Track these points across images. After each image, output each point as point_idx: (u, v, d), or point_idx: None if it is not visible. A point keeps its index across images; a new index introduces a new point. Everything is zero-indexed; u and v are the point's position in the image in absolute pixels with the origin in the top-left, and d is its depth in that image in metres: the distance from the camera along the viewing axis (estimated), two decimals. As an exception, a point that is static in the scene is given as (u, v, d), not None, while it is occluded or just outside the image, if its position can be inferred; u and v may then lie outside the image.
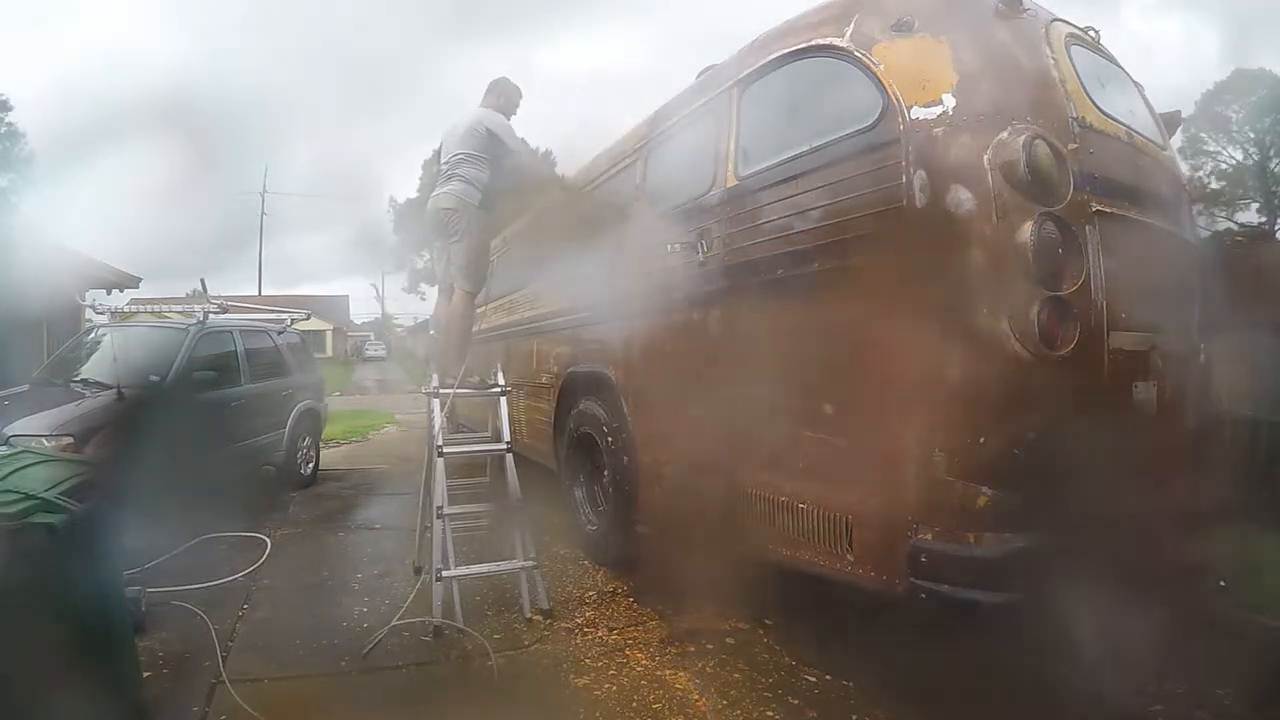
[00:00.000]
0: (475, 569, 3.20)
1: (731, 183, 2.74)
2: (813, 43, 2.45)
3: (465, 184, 3.67)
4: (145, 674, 2.38)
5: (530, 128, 3.91)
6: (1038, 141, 1.96)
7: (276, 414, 5.87)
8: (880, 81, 2.16)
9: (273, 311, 7.30)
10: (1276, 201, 27.90)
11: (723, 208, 2.75)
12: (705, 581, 3.02)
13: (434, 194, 3.81)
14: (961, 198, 1.97)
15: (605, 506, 3.72)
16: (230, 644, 2.82)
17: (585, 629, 3.00)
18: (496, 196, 3.76)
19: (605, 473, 3.62)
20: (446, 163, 3.74)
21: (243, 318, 6.49)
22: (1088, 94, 2.22)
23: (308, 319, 7.62)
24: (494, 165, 3.68)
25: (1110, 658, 2.16)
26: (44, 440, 3.65)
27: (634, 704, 2.40)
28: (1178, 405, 2.40)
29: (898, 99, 2.10)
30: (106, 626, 2.07)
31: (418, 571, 3.63)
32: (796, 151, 2.43)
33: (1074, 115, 2.12)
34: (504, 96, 3.87)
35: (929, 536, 1.97)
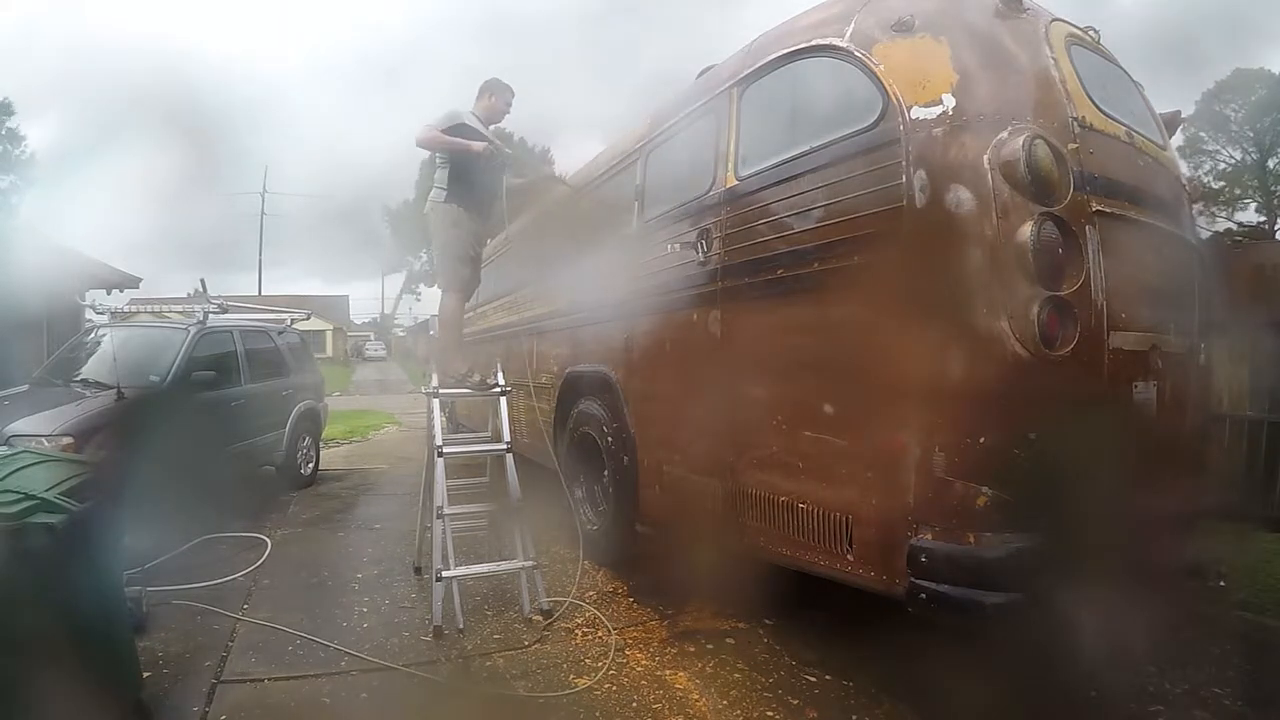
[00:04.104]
0: (475, 569, 3.21)
1: (731, 183, 2.74)
2: (813, 43, 2.45)
3: (434, 188, 3.76)
4: (145, 674, 2.38)
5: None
6: (1038, 141, 1.95)
7: (276, 414, 5.87)
8: (880, 81, 2.16)
9: (273, 311, 7.31)
10: (1276, 201, 27.91)
11: (722, 208, 2.75)
12: (705, 581, 3.02)
13: None
14: (961, 198, 1.97)
15: (605, 506, 3.72)
16: (230, 644, 2.82)
17: (585, 629, 3.00)
18: (468, 189, 3.71)
19: (605, 473, 3.62)
20: None
21: (243, 318, 6.50)
22: (1088, 94, 2.22)
23: (308, 319, 7.64)
24: (454, 162, 3.68)
25: (1110, 657, 2.16)
26: (44, 440, 3.65)
27: (634, 704, 2.40)
28: (1178, 405, 2.40)
29: (898, 99, 2.10)
30: (106, 626, 2.08)
31: (418, 571, 3.64)
32: (796, 151, 2.42)
33: (1074, 115, 2.12)
34: (495, 96, 3.88)
35: (929, 536, 1.96)
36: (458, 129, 3.63)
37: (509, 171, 3.94)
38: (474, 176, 3.71)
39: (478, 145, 3.61)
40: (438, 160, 3.74)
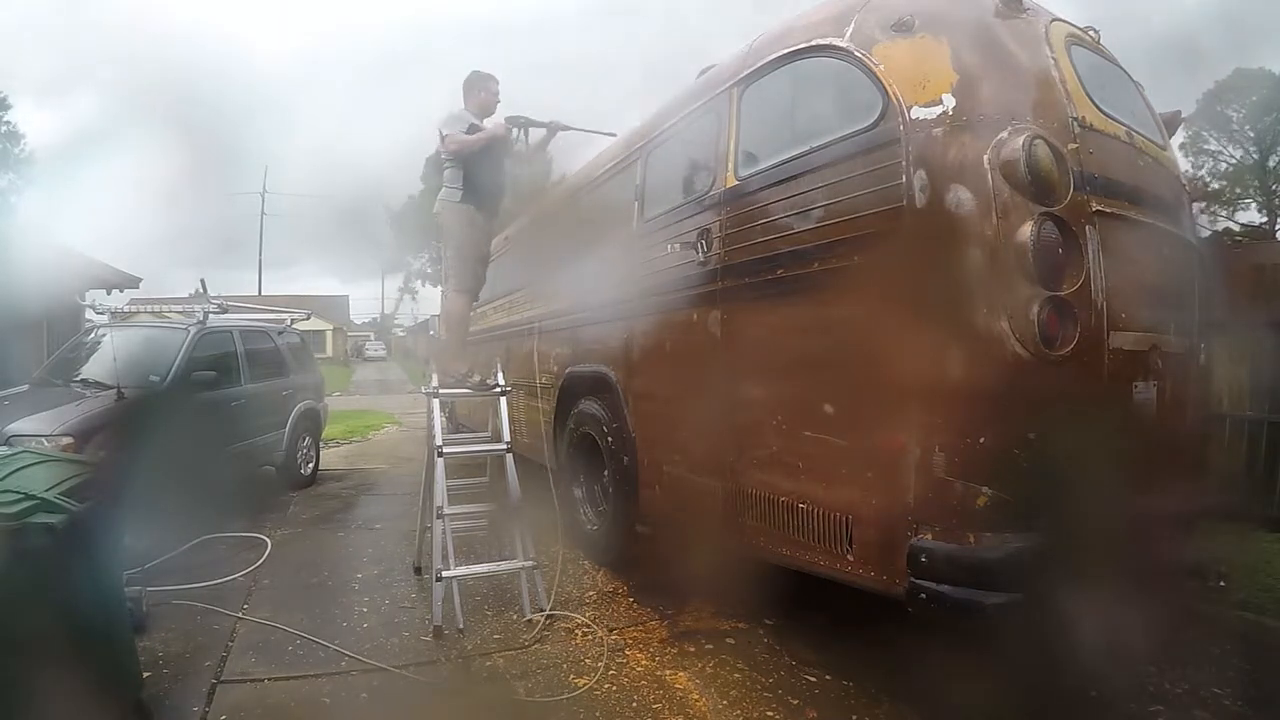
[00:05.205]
0: (475, 569, 3.21)
1: (731, 183, 2.74)
2: (813, 42, 2.44)
3: (444, 188, 3.79)
4: (145, 674, 2.38)
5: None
6: (1038, 141, 1.95)
7: (276, 414, 5.87)
8: (880, 81, 2.16)
9: (273, 311, 7.31)
10: (1277, 201, 27.90)
11: (723, 208, 2.75)
12: (705, 581, 3.02)
13: None
14: (961, 198, 1.96)
15: (605, 506, 3.72)
16: (230, 644, 2.82)
17: (585, 629, 3.00)
18: (480, 188, 3.75)
19: (605, 473, 3.62)
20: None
21: (243, 318, 6.49)
22: (1088, 94, 2.22)
23: (308, 319, 7.63)
24: (465, 161, 3.71)
25: (1110, 657, 2.16)
26: (44, 440, 3.66)
27: (634, 704, 2.40)
28: (1178, 405, 2.40)
29: (898, 99, 2.10)
30: (106, 626, 2.08)
31: (418, 571, 3.64)
32: (796, 151, 2.42)
33: (1074, 115, 2.12)
34: (484, 90, 3.88)
35: (929, 536, 1.96)
36: (471, 130, 3.72)
37: (526, 137, 3.96)
38: (485, 176, 3.74)
39: (498, 129, 3.74)
40: (445, 160, 3.76)
